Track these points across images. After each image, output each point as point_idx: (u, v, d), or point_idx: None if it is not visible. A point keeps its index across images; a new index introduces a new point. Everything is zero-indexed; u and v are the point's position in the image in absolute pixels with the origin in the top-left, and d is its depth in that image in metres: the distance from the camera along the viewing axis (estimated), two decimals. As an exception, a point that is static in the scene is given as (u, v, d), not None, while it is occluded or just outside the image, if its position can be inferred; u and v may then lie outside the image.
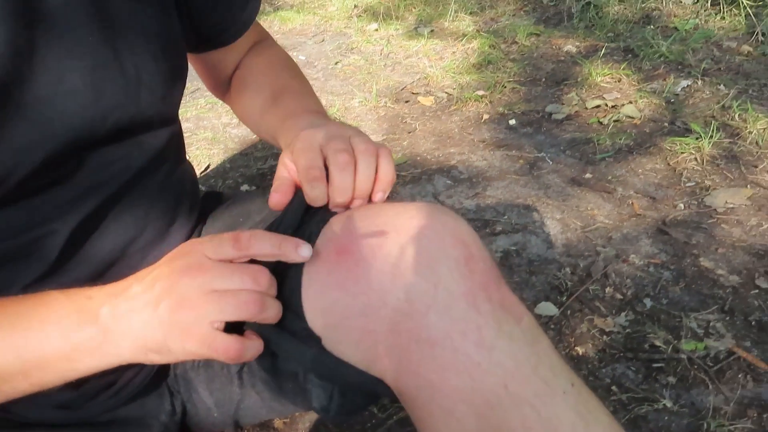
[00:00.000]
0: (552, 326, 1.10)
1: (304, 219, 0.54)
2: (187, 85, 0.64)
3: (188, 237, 0.70)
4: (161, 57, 0.57)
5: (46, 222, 0.51)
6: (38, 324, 0.46)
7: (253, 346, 0.48)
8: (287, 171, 0.54)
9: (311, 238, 0.51)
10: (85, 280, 0.56)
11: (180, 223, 0.67)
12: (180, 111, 0.69)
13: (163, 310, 0.45)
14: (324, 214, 0.52)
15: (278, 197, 0.53)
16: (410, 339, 0.44)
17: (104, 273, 0.58)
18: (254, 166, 1.69)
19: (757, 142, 1.56)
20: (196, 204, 0.73)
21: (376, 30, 2.55)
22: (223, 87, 0.79)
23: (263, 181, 1.62)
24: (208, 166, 1.70)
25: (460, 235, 0.47)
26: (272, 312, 0.47)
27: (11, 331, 0.46)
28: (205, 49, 0.72)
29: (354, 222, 0.50)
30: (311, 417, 0.95)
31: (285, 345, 0.49)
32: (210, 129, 1.88)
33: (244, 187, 1.59)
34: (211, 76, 0.78)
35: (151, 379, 0.63)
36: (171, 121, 0.63)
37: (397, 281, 0.45)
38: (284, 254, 0.46)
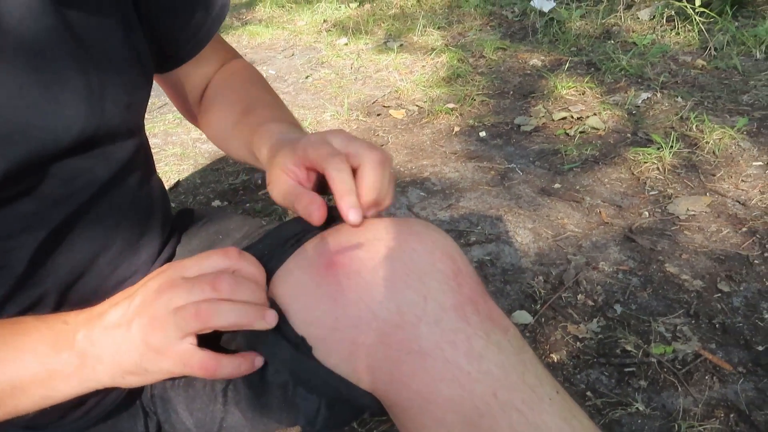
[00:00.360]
0: (527, 334, 1.12)
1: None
2: (155, 100, 0.64)
3: (160, 250, 0.69)
4: (125, 67, 0.57)
5: (11, 235, 0.51)
6: (13, 351, 0.46)
7: (231, 362, 0.48)
8: (298, 179, 0.52)
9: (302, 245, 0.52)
10: (56, 292, 0.56)
11: (150, 236, 0.67)
12: (148, 126, 0.69)
13: (135, 330, 0.46)
14: (312, 230, 0.52)
15: (319, 213, 0.49)
16: (401, 350, 0.45)
17: (74, 284, 0.57)
18: (225, 181, 1.68)
19: (714, 152, 1.62)
20: (167, 218, 0.72)
21: (346, 44, 2.58)
22: (193, 108, 0.78)
23: (235, 196, 1.62)
24: (177, 182, 1.68)
25: (448, 251, 0.48)
26: (231, 317, 0.45)
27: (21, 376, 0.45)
28: (168, 66, 0.72)
29: (343, 236, 0.50)
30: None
31: (281, 353, 0.49)
32: (179, 144, 1.86)
33: (216, 203, 1.58)
34: (180, 97, 0.78)
35: (122, 400, 0.63)
36: (136, 131, 0.63)
37: (387, 293, 0.46)
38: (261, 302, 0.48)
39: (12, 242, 0.51)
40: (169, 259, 0.72)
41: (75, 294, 0.58)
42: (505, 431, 0.42)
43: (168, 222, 0.73)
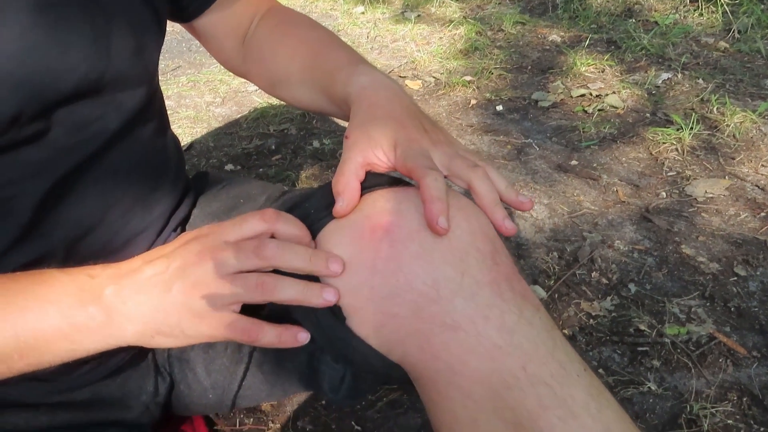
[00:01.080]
0: (540, 309, 1.12)
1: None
2: (168, 62, 0.62)
3: (173, 208, 0.68)
4: (133, 8, 0.55)
5: (15, 183, 0.49)
6: (36, 302, 0.45)
7: (273, 331, 0.47)
8: (356, 173, 0.50)
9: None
10: (63, 244, 0.54)
11: (163, 192, 0.65)
12: (161, 88, 0.67)
13: (176, 293, 0.45)
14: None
15: (346, 208, 0.49)
16: (434, 323, 0.44)
17: (83, 238, 0.56)
18: (239, 145, 1.66)
19: (734, 135, 1.59)
20: (181, 176, 0.71)
21: (363, 13, 2.53)
22: (233, 57, 0.76)
23: (248, 160, 1.60)
24: (191, 145, 1.67)
25: (488, 232, 0.48)
26: (291, 293, 0.46)
27: (8, 309, 0.44)
28: (190, 14, 0.69)
29: (390, 202, 0.49)
30: (299, 399, 0.95)
31: (316, 320, 0.48)
32: (192, 107, 1.84)
33: (229, 167, 1.57)
34: (215, 45, 0.76)
35: (132, 357, 0.62)
36: (147, 79, 0.61)
37: (426, 266, 0.45)
38: (315, 271, 0.46)
39: (15, 189, 0.50)
40: (185, 219, 0.71)
41: (84, 248, 0.57)
42: (533, 404, 0.42)
43: (182, 180, 0.71)
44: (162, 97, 0.68)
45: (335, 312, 0.48)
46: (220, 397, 0.67)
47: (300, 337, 0.49)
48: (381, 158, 0.51)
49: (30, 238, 0.52)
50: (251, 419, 0.91)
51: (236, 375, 0.65)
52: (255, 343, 0.47)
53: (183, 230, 0.71)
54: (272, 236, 0.48)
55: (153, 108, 0.63)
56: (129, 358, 0.61)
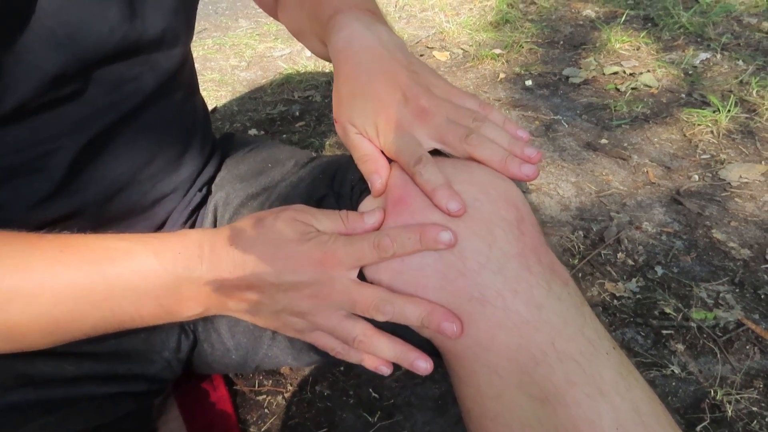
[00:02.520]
0: (563, 287, 1.10)
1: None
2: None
3: (200, 169, 0.68)
4: None
5: (52, 139, 0.49)
6: (136, 295, 0.45)
7: (356, 355, 0.50)
8: (373, 150, 0.50)
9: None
10: (94, 202, 0.55)
11: (192, 154, 0.65)
12: None
13: (280, 311, 0.47)
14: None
15: (380, 186, 0.48)
16: (461, 298, 0.43)
17: (114, 196, 0.56)
18: (263, 110, 1.64)
19: (773, 120, 1.54)
20: (208, 138, 0.71)
21: (391, -20, 2.48)
22: (270, 2, 0.75)
23: (272, 126, 1.59)
24: (215, 108, 1.66)
25: (513, 199, 0.46)
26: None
27: (107, 294, 0.45)
28: None
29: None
30: (318, 362, 0.95)
31: None
32: (217, 70, 1.83)
33: (252, 132, 1.56)
34: None
35: None
36: (183, 40, 0.60)
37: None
38: (426, 246, 0.44)
39: (53, 145, 0.50)
40: (210, 180, 0.71)
41: (114, 206, 0.57)
42: (561, 380, 0.41)
43: (209, 142, 0.71)
44: (193, 60, 0.68)
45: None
46: (243, 358, 0.67)
47: (381, 369, 0.49)
48: (373, 141, 0.50)
49: (63, 194, 0.52)
50: (270, 381, 0.92)
51: (262, 339, 0.64)
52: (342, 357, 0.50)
53: (209, 191, 0.71)
54: None
55: (185, 69, 0.63)
56: None
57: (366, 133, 0.50)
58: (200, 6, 2.26)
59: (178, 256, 0.45)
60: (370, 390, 0.90)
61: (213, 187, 0.71)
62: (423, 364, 0.46)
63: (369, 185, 0.49)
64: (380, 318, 0.44)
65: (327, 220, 0.47)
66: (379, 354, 0.47)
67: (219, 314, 0.49)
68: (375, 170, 0.48)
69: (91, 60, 0.49)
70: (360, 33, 0.53)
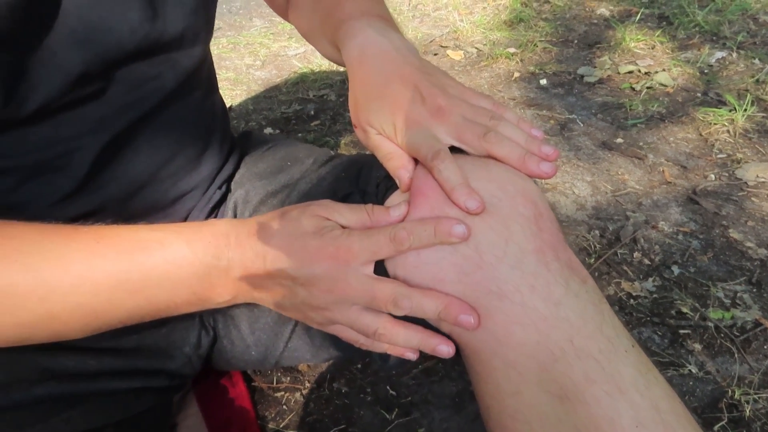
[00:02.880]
0: (579, 287, 1.10)
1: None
2: None
3: (220, 167, 0.68)
4: None
5: (75, 137, 0.50)
6: (169, 282, 0.46)
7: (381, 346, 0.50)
8: (396, 149, 0.51)
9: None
10: (116, 200, 0.55)
11: (211, 152, 0.66)
12: None
13: (300, 303, 0.47)
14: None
15: (409, 176, 0.49)
16: (478, 291, 0.43)
17: (136, 194, 0.57)
18: (278, 109, 1.65)
19: (791, 119, 1.52)
20: (227, 136, 0.71)
21: (404, -20, 2.48)
22: (282, 3, 0.75)
23: (287, 125, 1.59)
24: (230, 107, 1.67)
25: (531, 196, 0.46)
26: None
27: (143, 284, 0.45)
28: None
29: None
30: (335, 361, 0.95)
31: None
32: (232, 69, 1.84)
33: (268, 130, 1.56)
34: None
35: None
36: (203, 39, 0.61)
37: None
38: (441, 240, 0.44)
39: (76, 143, 0.51)
40: (230, 177, 0.72)
41: (135, 204, 0.58)
42: (579, 377, 0.41)
43: (227, 140, 0.72)
44: (211, 59, 0.68)
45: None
46: (262, 354, 0.68)
47: (408, 355, 0.50)
48: (392, 140, 0.51)
49: (85, 192, 0.53)
50: (288, 378, 0.92)
51: (281, 335, 0.65)
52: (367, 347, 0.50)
53: (228, 188, 0.71)
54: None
55: (205, 68, 0.63)
56: None
57: (384, 132, 0.50)
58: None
59: (208, 245, 0.46)
60: (388, 387, 0.91)
61: (232, 185, 0.72)
62: (445, 348, 0.46)
63: (396, 181, 0.50)
64: (398, 312, 0.45)
65: (351, 214, 0.47)
66: (401, 344, 0.47)
67: (246, 302, 0.50)
68: (401, 166, 0.49)
69: (113, 59, 0.50)
70: (373, 39, 0.54)
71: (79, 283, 0.43)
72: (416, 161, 0.50)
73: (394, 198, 0.51)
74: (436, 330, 0.47)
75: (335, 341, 0.62)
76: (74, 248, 0.43)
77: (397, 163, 0.49)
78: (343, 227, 0.47)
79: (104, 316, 0.46)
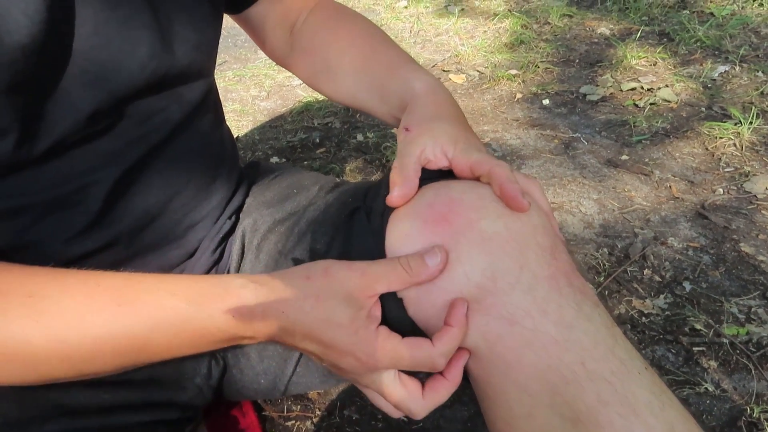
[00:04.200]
0: (590, 306, 1.09)
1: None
2: None
3: (230, 197, 0.69)
4: (193, 4, 0.56)
5: (88, 173, 0.51)
6: (192, 347, 0.47)
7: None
8: (415, 167, 0.51)
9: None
10: (128, 233, 0.56)
11: (221, 182, 0.67)
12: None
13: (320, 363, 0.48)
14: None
15: (401, 198, 0.50)
16: (490, 316, 0.44)
17: (148, 226, 0.58)
18: (284, 138, 1.67)
19: (797, 130, 1.52)
20: (236, 166, 0.72)
21: (406, 7, 2.52)
22: (279, 48, 0.76)
23: (293, 153, 1.61)
24: (237, 138, 1.69)
25: (548, 229, 0.47)
26: None
27: (169, 348, 0.46)
28: (242, 5, 0.70)
29: (455, 193, 0.48)
30: (345, 387, 0.95)
31: (394, 311, 0.48)
32: (238, 101, 1.87)
33: (274, 159, 1.58)
34: (262, 37, 0.76)
35: None
36: (206, 73, 0.62)
37: (485, 257, 0.44)
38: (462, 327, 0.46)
39: (89, 178, 0.51)
40: (239, 208, 0.72)
41: (148, 236, 0.58)
42: (592, 400, 0.40)
43: (236, 170, 0.73)
44: (217, 90, 0.69)
45: (399, 303, 0.47)
46: (272, 382, 0.67)
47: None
48: (438, 155, 0.51)
49: (99, 226, 0.53)
50: (298, 406, 0.92)
51: (289, 361, 0.65)
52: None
53: (237, 218, 0.72)
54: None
55: (210, 100, 0.64)
56: None
57: (443, 143, 0.51)
58: (220, 39, 2.32)
59: (232, 319, 0.46)
60: (399, 414, 0.90)
61: (241, 214, 0.72)
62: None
63: (390, 190, 0.50)
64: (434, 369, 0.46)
65: (390, 278, 0.46)
66: (452, 350, 0.46)
67: None
68: (402, 182, 0.50)
69: (123, 96, 0.51)
70: (441, 84, 0.60)
71: (99, 347, 0.43)
72: (432, 184, 0.50)
73: (397, 214, 0.50)
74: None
75: None
76: (95, 310, 0.43)
77: (399, 179, 0.50)
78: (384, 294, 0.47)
79: (121, 368, 0.47)
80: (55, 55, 0.45)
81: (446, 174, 0.51)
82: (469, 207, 0.47)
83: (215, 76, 0.68)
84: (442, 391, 0.46)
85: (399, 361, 0.45)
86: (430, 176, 0.51)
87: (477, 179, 0.50)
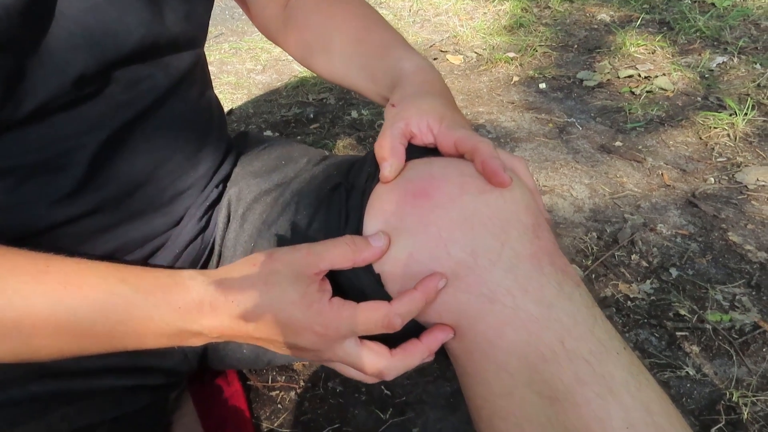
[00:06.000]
0: (576, 289, 1.10)
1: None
2: (211, 29, 0.62)
3: (217, 166, 0.69)
4: None
5: (73, 137, 0.50)
6: (137, 338, 0.45)
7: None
8: (400, 139, 0.50)
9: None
10: (114, 199, 0.55)
11: (208, 150, 0.66)
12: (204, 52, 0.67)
13: (281, 348, 0.47)
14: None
15: (393, 173, 0.49)
16: (470, 293, 0.44)
17: (134, 193, 0.57)
18: (278, 113, 1.66)
19: (791, 123, 1.52)
20: (224, 135, 0.72)
21: (405, -15, 2.49)
22: (271, 24, 0.76)
23: (286, 128, 1.60)
24: (231, 110, 1.68)
25: (532, 206, 0.47)
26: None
27: (115, 332, 0.45)
28: None
29: (436, 168, 0.48)
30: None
31: (372, 287, 0.48)
32: (233, 74, 1.85)
33: (267, 133, 1.57)
34: (254, 11, 0.76)
35: None
36: (196, 43, 0.62)
37: (466, 233, 0.44)
38: (430, 299, 0.45)
39: (73, 142, 0.51)
40: (226, 177, 0.72)
41: (134, 203, 0.58)
42: (570, 379, 0.41)
43: (224, 140, 0.72)
44: (205, 60, 0.69)
45: (376, 279, 0.47)
46: (254, 352, 0.68)
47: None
48: (423, 130, 0.50)
49: (84, 191, 0.53)
50: (283, 377, 0.92)
51: None
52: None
53: (224, 187, 0.72)
54: None
55: (197, 69, 0.64)
56: None
57: (428, 117, 0.50)
58: (217, 11, 2.29)
59: (178, 310, 0.45)
60: (382, 387, 0.91)
61: (228, 183, 0.72)
62: (446, 335, 0.46)
63: (380, 167, 0.50)
64: (390, 330, 0.45)
65: (335, 256, 0.46)
66: (413, 311, 0.45)
67: None
68: (389, 155, 0.49)
69: (110, 61, 0.50)
70: (433, 65, 0.60)
71: (42, 326, 0.42)
72: (414, 160, 0.50)
73: (378, 190, 0.50)
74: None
75: None
76: (40, 292, 0.42)
77: (386, 152, 0.49)
78: (331, 270, 0.47)
79: (63, 353, 0.45)
80: (40, 17, 0.44)
81: (431, 152, 0.51)
82: (450, 182, 0.46)
83: (211, 47, 0.67)
84: (415, 353, 0.46)
85: (356, 326, 0.44)
86: (414, 153, 0.51)
87: (461, 156, 0.49)
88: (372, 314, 0.44)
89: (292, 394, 0.90)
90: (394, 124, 0.50)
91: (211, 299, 0.45)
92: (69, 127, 0.50)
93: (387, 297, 0.47)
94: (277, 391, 0.91)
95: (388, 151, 0.49)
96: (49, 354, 0.44)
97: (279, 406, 0.89)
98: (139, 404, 0.61)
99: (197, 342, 0.47)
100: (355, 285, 0.48)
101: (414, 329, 0.47)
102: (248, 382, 0.91)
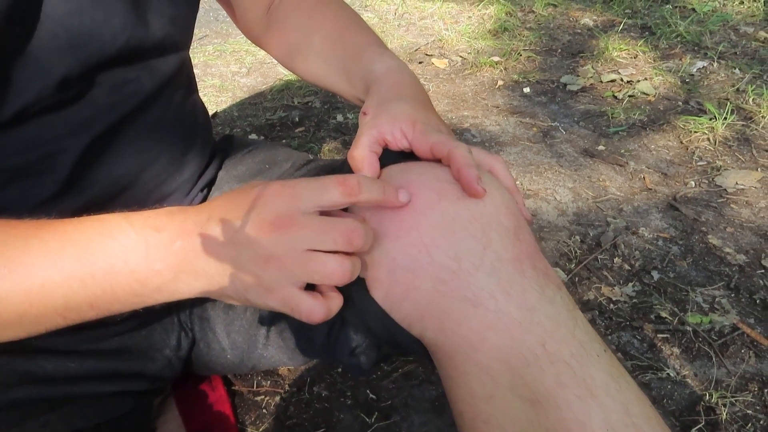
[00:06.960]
0: (560, 292, 1.11)
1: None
2: (196, 31, 0.62)
3: (202, 170, 0.69)
4: None
5: (57, 140, 0.50)
6: (105, 257, 0.43)
7: (335, 304, 0.45)
8: (372, 148, 0.50)
9: None
10: (98, 202, 0.55)
11: (193, 154, 0.66)
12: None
13: (245, 261, 0.42)
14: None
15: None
16: (453, 297, 0.44)
17: (118, 196, 0.57)
18: (263, 116, 1.66)
19: (769, 127, 1.55)
20: (209, 139, 0.71)
21: (391, -11, 2.50)
22: (254, 26, 0.76)
23: (271, 131, 1.60)
24: (215, 114, 1.67)
25: (511, 207, 0.48)
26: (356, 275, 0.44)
27: (78, 263, 0.42)
28: None
29: (413, 175, 0.48)
30: (315, 365, 0.95)
31: (357, 294, 0.48)
32: (218, 76, 1.84)
33: (252, 137, 1.57)
34: (238, 13, 0.76)
35: (157, 311, 0.62)
36: (181, 47, 0.62)
37: (448, 238, 0.45)
38: (387, 200, 0.44)
39: (57, 145, 0.51)
40: (211, 182, 0.72)
41: (117, 206, 0.58)
42: (551, 382, 0.41)
43: (209, 143, 0.72)
44: (191, 63, 0.69)
45: (359, 284, 0.47)
46: (238, 357, 0.68)
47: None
48: (397, 136, 0.50)
49: (68, 195, 0.53)
50: (268, 382, 0.92)
51: (256, 338, 0.65)
52: (318, 322, 0.44)
53: (209, 191, 0.71)
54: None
55: (182, 73, 0.64)
56: (155, 312, 0.62)
57: (401, 123, 0.50)
58: (201, 13, 2.28)
59: (147, 218, 0.44)
60: (368, 391, 0.91)
61: (213, 188, 0.72)
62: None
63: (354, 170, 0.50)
64: (355, 249, 0.43)
65: (331, 191, 0.43)
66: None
67: (220, 302, 0.49)
68: (362, 165, 0.49)
69: (95, 64, 0.50)
70: (407, 66, 0.60)
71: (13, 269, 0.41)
72: (391, 167, 0.50)
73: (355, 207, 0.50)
74: (405, 345, 0.48)
75: (310, 345, 0.62)
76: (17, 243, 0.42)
77: (358, 162, 0.49)
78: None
79: (38, 304, 0.43)
80: (24, 19, 0.44)
81: (408, 156, 0.51)
82: (428, 188, 0.47)
83: (195, 50, 0.67)
84: (336, 299, 0.45)
85: (322, 187, 0.42)
86: (390, 158, 0.51)
87: (438, 161, 0.50)
88: (328, 177, 0.43)
89: (277, 398, 0.90)
90: (367, 132, 0.50)
91: (182, 209, 0.45)
92: (52, 130, 0.50)
93: (374, 302, 0.47)
94: (262, 396, 0.90)
95: (361, 162, 0.49)
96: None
97: (264, 410, 0.88)
98: (123, 410, 0.61)
99: (165, 273, 0.43)
100: (341, 290, 0.48)
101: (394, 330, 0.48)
102: (233, 387, 0.91)
